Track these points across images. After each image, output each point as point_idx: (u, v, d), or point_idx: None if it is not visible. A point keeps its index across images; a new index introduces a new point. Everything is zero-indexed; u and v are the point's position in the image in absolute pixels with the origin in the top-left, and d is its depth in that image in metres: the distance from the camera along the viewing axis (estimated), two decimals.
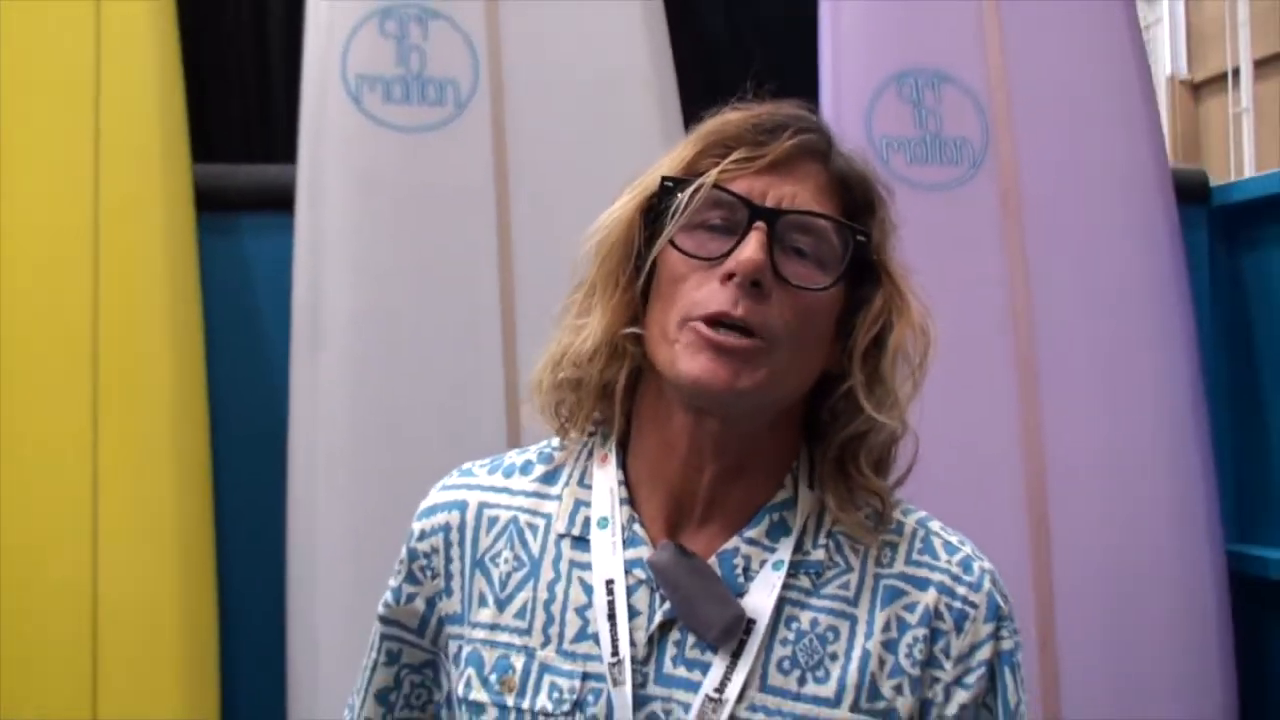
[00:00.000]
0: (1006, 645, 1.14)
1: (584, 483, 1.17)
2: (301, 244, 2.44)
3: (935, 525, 1.18)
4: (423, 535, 1.20)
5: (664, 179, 1.11)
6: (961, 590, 1.13)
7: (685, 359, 1.07)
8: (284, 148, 2.58)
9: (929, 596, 1.12)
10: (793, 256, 1.09)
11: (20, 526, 2.27)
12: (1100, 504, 2.67)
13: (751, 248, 1.06)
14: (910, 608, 1.12)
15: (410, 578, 1.20)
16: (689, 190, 1.09)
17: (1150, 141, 2.82)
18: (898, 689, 1.10)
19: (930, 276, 2.57)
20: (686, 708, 1.08)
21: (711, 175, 1.08)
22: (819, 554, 1.13)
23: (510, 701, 1.12)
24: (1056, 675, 2.59)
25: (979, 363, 2.62)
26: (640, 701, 1.09)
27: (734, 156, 1.09)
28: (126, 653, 2.29)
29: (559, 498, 1.17)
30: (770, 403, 1.10)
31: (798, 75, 2.70)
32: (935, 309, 2.61)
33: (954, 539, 1.17)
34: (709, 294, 1.07)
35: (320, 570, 2.33)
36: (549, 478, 1.19)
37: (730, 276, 1.06)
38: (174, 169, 2.42)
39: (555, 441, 1.20)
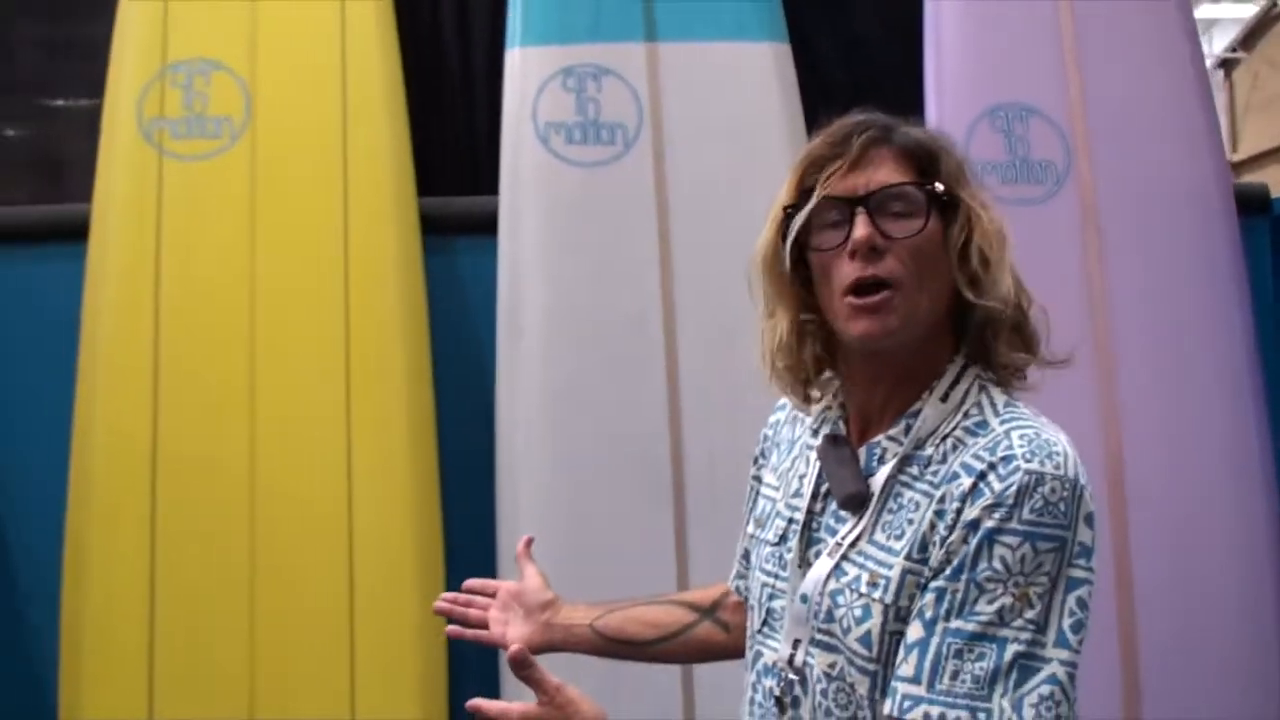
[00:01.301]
0: (990, 524, 1.33)
1: (835, 395, 1.55)
2: (504, 259, 2.98)
3: (1018, 435, 1.38)
4: (767, 425, 1.69)
5: (785, 207, 1.46)
6: (991, 477, 1.35)
7: (849, 324, 1.42)
8: (488, 182, 3.12)
9: (969, 481, 1.36)
10: (892, 219, 1.41)
11: (285, 492, 2.85)
12: (1170, 473, 2.98)
13: (858, 228, 1.40)
14: (958, 487, 1.36)
15: (763, 453, 1.68)
16: (806, 208, 1.43)
17: (1213, 158, 3.16)
18: (936, 544, 1.36)
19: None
20: (828, 547, 1.46)
21: (817, 193, 1.43)
22: (929, 450, 1.42)
23: (759, 534, 1.59)
24: (1133, 615, 2.93)
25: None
26: (811, 541, 1.48)
27: (828, 171, 1.43)
28: (377, 605, 2.81)
29: (823, 404, 1.56)
30: (916, 328, 1.43)
31: (905, 113, 3.17)
32: None
33: (1020, 446, 1.37)
34: (846, 271, 1.41)
35: (521, 503, 2.87)
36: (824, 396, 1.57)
37: (854, 253, 1.41)
38: (403, 201, 3.00)
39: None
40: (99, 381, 2.86)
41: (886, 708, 1.35)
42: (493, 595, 1.83)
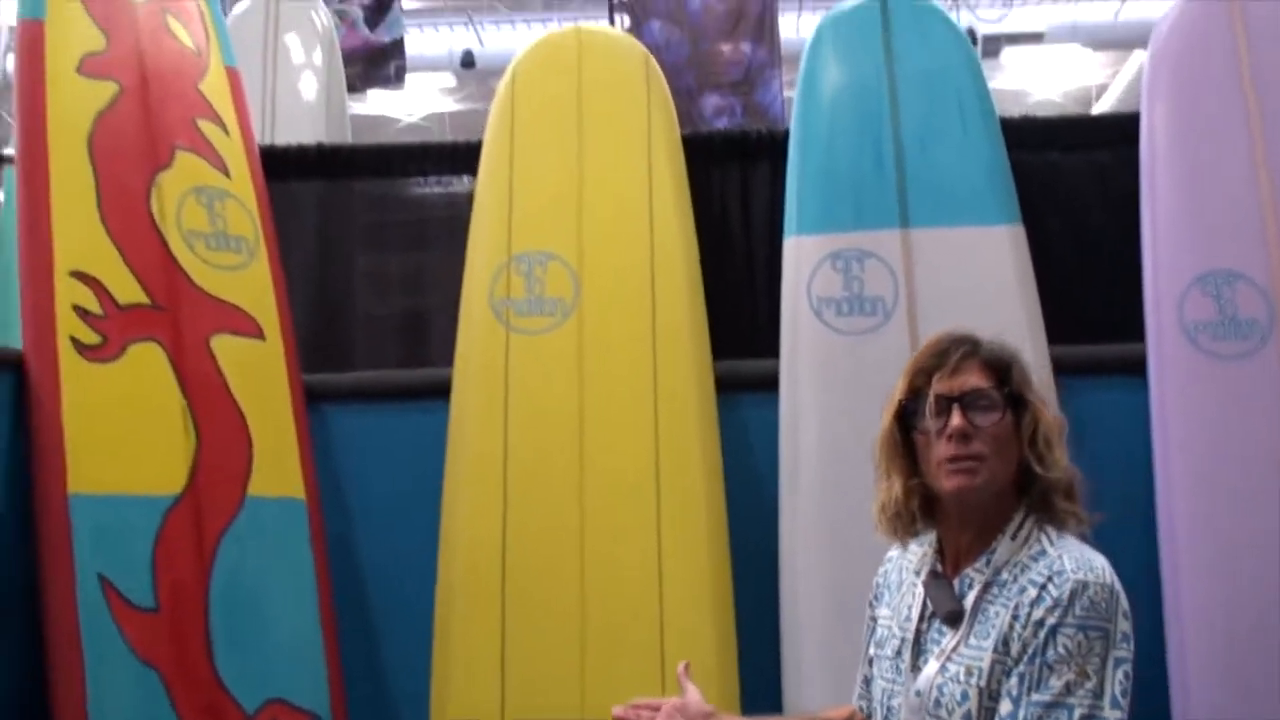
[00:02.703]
0: (1052, 620, 1.84)
1: (930, 545, 2.09)
2: (784, 412, 3.52)
3: (1068, 554, 1.90)
4: (878, 576, 2.22)
5: (901, 401, 2.02)
6: (1050, 586, 1.87)
7: (946, 480, 1.96)
8: (767, 346, 3.66)
9: (1034, 591, 1.88)
10: (979, 412, 1.95)
11: (608, 600, 3.40)
12: None
13: (954, 419, 1.95)
14: (1027, 597, 1.88)
15: (876, 597, 2.22)
16: (921, 404, 1.98)
17: None
18: (1014, 640, 1.87)
19: (1228, 423, 3.41)
20: (934, 654, 1.96)
21: (930, 393, 1.98)
22: (1005, 575, 1.94)
23: (879, 653, 2.12)
24: None
25: (1256, 502, 3.35)
26: (919, 651, 1.99)
27: (935, 378, 1.99)
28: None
29: (922, 552, 2.09)
30: (994, 487, 1.95)
31: (1127, 285, 3.60)
32: (1222, 457, 3.40)
33: (1070, 560, 1.88)
34: (944, 449, 1.95)
35: (801, 617, 3.40)
36: (920, 544, 2.11)
37: (950, 437, 1.95)
38: (701, 364, 3.59)
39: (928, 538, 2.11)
40: (460, 513, 3.51)
41: None
42: (658, 709, 2.18)
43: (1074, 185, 4.07)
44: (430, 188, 4.26)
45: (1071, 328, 3.70)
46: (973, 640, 1.93)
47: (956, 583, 2.00)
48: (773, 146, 4.04)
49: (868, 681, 2.19)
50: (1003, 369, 2.01)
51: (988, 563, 1.97)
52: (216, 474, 3.38)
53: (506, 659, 3.40)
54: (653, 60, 3.85)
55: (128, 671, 3.16)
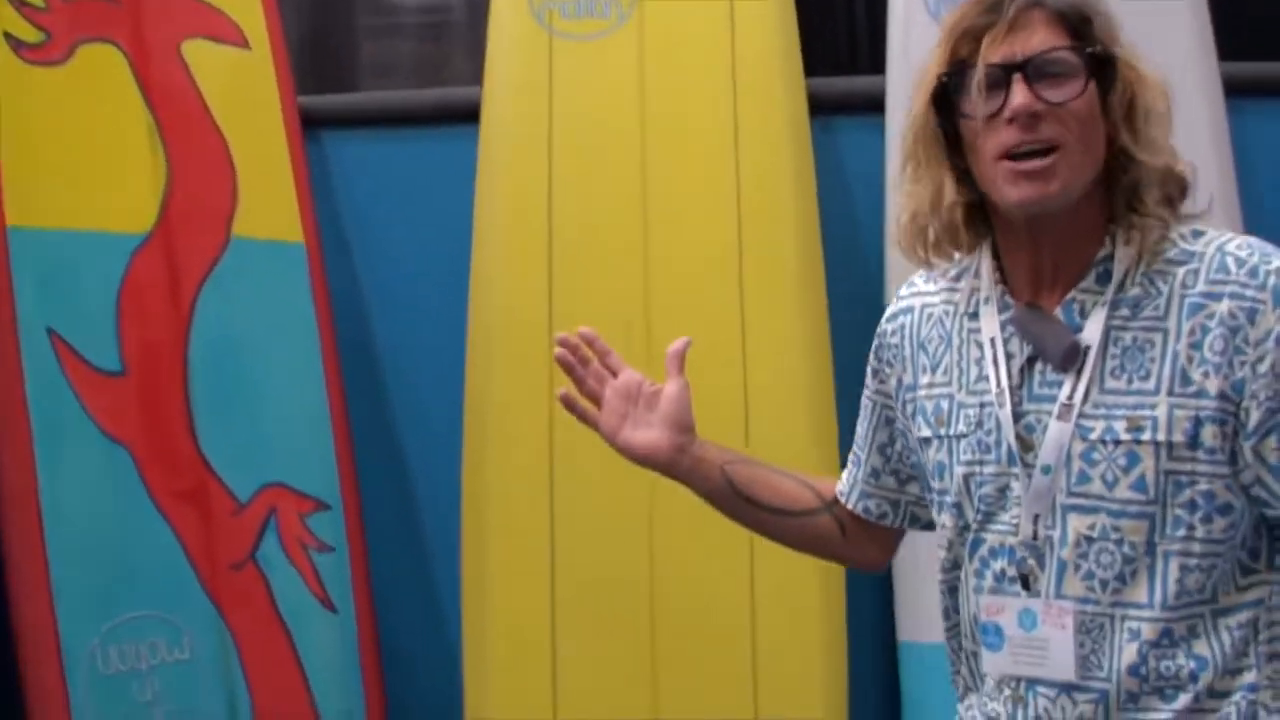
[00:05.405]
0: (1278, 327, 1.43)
1: (976, 275, 1.56)
2: (892, 140, 2.90)
3: (1231, 245, 1.46)
4: (890, 334, 1.66)
5: (939, 75, 1.48)
6: (1250, 292, 1.42)
7: (1008, 189, 1.45)
8: (866, 61, 3.16)
9: (1224, 305, 1.42)
10: (1050, 84, 1.43)
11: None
12: None
13: (1016, 95, 1.42)
14: (1210, 315, 1.43)
15: (886, 363, 1.67)
16: (967, 76, 1.44)
17: None
18: (1205, 374, 1.42)
19: None
20: (1049, 414, 1.48)
21: (980, 62, 1.44)
22: (1135, 290, 1.46)
23: (943, 431, 1.57)
24: None
25: None
26: (1017, 416, 1.50)
27: (986, 42, 1.44)
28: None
29: (962, 288, 1.58)
30: (1077, 192, 1.46)
31: None
32: None
33: (1244, 253, 1.45)
34: (1003, 136, 1.44)
35: None
36: (957, 278, 1.59)
37: (1012, 120, 1.43)
38: (791, 80, 2.98)
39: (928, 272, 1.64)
40: (497, 255, 2.96)
41: None
42: (612, 370, 1.77)
43: None
44: None
45: (1244, 41, 3.18)
46: (1114, 384, 1.46)
47: (1060, 312, 1.50)
48: None
49: (877, 474, 1.73)
50: (1078, 20, 1.48)
51: (1099, 279, 1.49)
52: (193, 209, 2.92)
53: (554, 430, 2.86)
54: None
55: (89, 449, 2.78)
